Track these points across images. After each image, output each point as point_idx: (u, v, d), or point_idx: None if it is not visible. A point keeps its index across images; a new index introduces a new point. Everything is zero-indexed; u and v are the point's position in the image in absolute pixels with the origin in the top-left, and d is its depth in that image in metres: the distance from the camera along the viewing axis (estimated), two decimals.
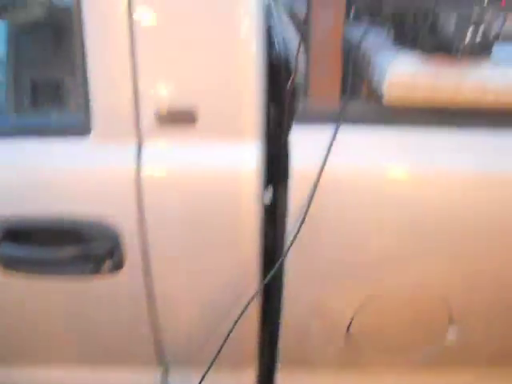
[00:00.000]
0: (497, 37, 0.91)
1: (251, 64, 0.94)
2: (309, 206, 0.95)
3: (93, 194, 0.99)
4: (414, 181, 0.97)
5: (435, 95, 0.95)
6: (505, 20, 0.90)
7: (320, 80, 0.98)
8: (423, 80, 0.94)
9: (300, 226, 0.97)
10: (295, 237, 0.97)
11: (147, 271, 1.04)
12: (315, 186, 0.94)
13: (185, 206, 1.00)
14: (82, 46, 0.92)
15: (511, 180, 0.96)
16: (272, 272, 1.01)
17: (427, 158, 0.96)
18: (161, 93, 0.94)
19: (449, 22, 0.88)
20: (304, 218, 0.96)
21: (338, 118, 0.96)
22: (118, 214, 1.00)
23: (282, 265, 1.01)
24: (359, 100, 1.03)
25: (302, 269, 1.03)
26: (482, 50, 0.91)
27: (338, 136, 0.95)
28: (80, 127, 0.98)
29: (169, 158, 0.98)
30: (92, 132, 0.97)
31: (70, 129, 1.00)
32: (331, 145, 0.95)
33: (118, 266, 1.03)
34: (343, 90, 1.00)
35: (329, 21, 0.96)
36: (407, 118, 0.98)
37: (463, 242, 1.01)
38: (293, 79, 1.07)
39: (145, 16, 0.90)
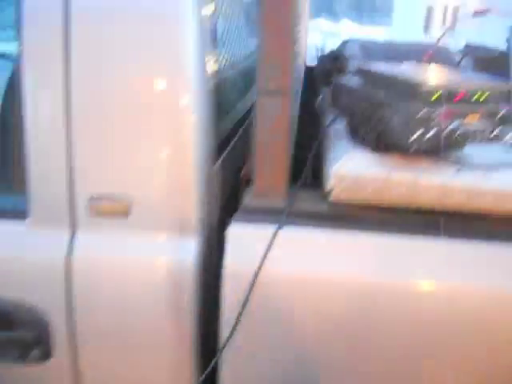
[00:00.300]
0: (456, 136, 0.80)
1: (190, 157, 0.90)
2: (242, 312, 0.87)
3: (24, 279, 0.95)
4: (355, 290, 0.86)
5: (385, 194, 0.85)
6: (463, 118, 0.80)
7: (264, 173, 0.91)
8: (372, 178, 0.85)
9: (232, 330, 0.88)
10: (227, 341, 0.89)
11: (75, 362, 0.97)
12: (249, 290, 0.86)
13: (114, 299, 0.94)
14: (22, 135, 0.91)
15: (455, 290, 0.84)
16: (204, 374, 0.92)
17: (373, 266, 0.86)
18: (95, 184, 0.92)
19: (397, 120, 0.80)
20: (236, 323, 0.87)
21: (281, 216, 0.88)
22: (48, 302, 0.95)
23: (216, 367, 0.93)
24: (308, 196, 0.94)
25: (236, 377, 0.94)
26: (436, 149, 0.81)
27: (280, 235, 0.87)
28: (19, 211, 0.96)
29: (100, 249, 0.94)
30: (29, 217, 0.95)
31: (9, 212, 0.98)
32: (270, 245, 0.87)
33: (46, 355, 0.97)
34: (295, 184, 0.93)
35: (275, 109, 0.89)
36: (356, 219, 0.89)
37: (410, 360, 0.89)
38: (246, 168, 1.00)
39: (80, 108, 0.88)
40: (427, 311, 0.85)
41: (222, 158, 1.02)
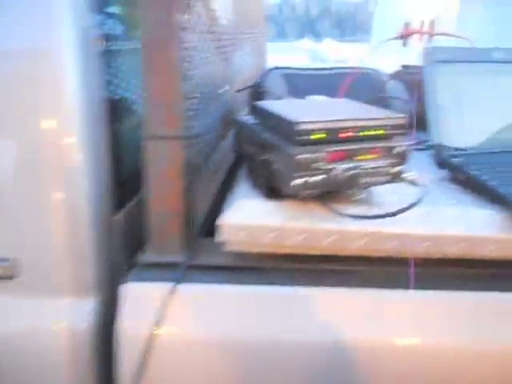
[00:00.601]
0: (347, 178, 0.73)
1: (80, 209, 0.84)
2: (138, 376, 0.79)
3: None
4: (257, 349, 0.79)
5: (281, 244, 0.79)
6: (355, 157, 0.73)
7: (159, 225, 0.84)
8: (264, 227, 0.78)
9: None
10: None
11: None
12: (144, 355, 0.79)
13: (8, 369, 0.87)
14: None
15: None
16: None
17: (276, 322, 0.78)
18: None
19: (278, 164, 0.73)
20: None
21: (178, 273, 0.81)
22: None
23: None
24: (211, 248, 0.86)
25: None
26: (327, 192, 0.75)
27: (177, 292, 0.80)
28: None
29: None
30: None
31: None
32: (165, 304, 0.79)
33: None
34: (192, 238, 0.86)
35: (165, 156, 0.82)
36: (257, 271, 0.82)
37: None
38: None
39: None
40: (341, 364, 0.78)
41: (126, 208, 0.95)
